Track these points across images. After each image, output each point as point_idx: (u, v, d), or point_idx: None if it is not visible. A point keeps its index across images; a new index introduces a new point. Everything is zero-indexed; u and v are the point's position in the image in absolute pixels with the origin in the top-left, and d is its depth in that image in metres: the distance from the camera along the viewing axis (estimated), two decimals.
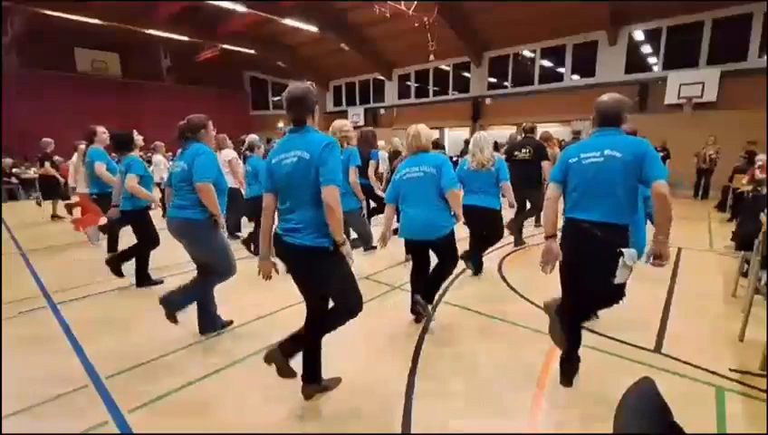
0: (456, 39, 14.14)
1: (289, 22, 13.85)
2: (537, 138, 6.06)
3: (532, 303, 3.74)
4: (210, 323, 3.12)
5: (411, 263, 3.41)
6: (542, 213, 5.74)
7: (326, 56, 18.03)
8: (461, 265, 3.92)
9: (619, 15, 11.97)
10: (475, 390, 2.43)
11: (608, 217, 2.14)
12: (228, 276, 3.04)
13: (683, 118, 11.50)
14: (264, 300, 3.80)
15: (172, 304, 2.96)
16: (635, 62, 12.63)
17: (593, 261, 2.21)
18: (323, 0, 13.67)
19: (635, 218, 2.22)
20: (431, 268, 3.29)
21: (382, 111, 19.54)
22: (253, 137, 5.77)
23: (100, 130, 5.06)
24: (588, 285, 2.30)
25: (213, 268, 3.00)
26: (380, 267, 4.75)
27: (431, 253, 3.31)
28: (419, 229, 3.09)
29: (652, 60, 12.57)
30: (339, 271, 2.08)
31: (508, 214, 5.00)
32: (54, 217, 8.16)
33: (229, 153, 5.94)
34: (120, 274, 4.24)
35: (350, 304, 2.18)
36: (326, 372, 2.35)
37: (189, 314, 3.14)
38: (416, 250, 3.32)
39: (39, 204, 9.32)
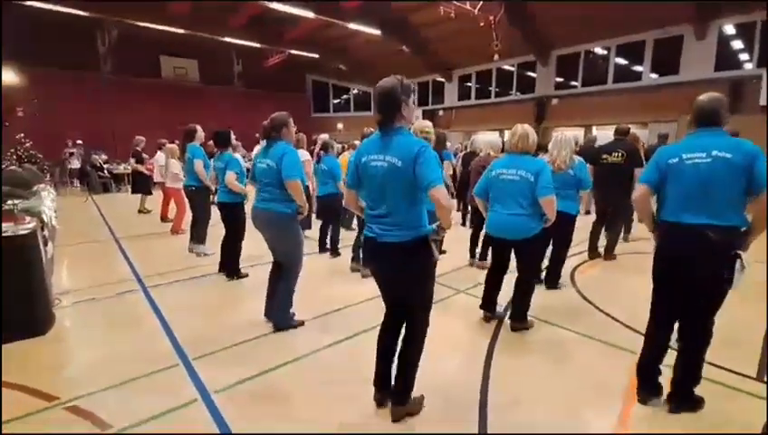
0: (522, 38, 13.65)
1: (352, 25, 14.17)
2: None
3: (607, 315, 3.51)
4: (284, 318, 3.23)
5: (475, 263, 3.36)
6: (626, 220, 5.35)
7: (385, 58, 18.17)
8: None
9: (709, 7, 10.87)
10: (555, 406, 2.31)
11: (719, 219, 1.98)
12: (297, 269, 3.23)
13: None
14: (334, 296, 3.90)
15: (280, 323, 3.21)
16: (726, 58, 11.41)
17: (706, 267, 2.02)
18: (387, 0, 13.72)
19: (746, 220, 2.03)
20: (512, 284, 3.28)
21: (440, 112, 19.37)
22: (325, 137, 5.92)
23: (199, 128, 5.49)
24: (697, 294, 2.12)
25: (284, 261, 3.18)
26: (445, 270, 4.69)
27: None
28: (506, 228, 3.12)
29: (744, 56, 11.30)
30: (425, 266, 2.07)
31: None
32: (141, 211, 8.80)
33: (303, 153, 6.09)
34: (238, 274, 4.50)
35: (424, 305, 2.14)
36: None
37: (261, 305, 3.31)
38: (497, 249, 3.37)
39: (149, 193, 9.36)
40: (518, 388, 2.48)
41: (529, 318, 3.28)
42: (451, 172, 5.21)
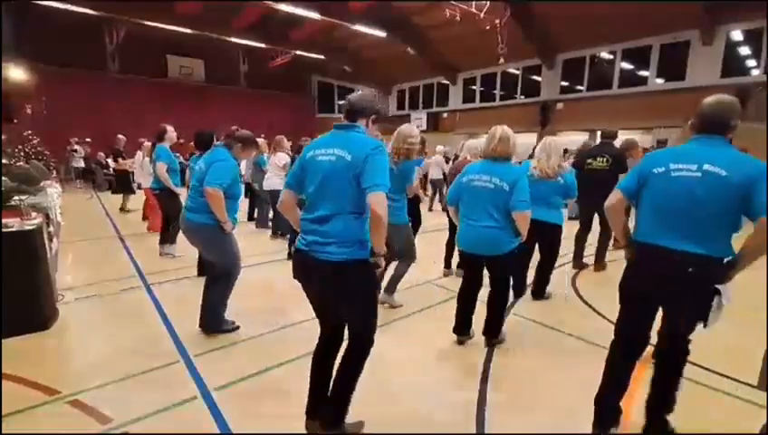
0: (528, 41, 13.67)
1: (358, 27, 14.24)
2: (617, 145, 5.29)
3: (605, 319, 3.50)
4: (215, 323, 3.06)
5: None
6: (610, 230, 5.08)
7: (391, 60, 18.27)
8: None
9: (716, 13, 10.84)
10: (555, 409, 2.31)
11: (701, 246, 1.70)
12: (232, 278, 3.05)
13: None
14: None
15: (210, 327, 3.04)
16: (733, 64, 11.38)
17: (680, 301, 1.80)
18: (393, 1, 13.75)
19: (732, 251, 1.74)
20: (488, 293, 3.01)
21: (444, 114, 19.40)
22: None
23: (170, 129, 5.19)
24: (669, 328, 1.93)
25: (219, 267, 3.02)
26: (440, 273, 4.69)
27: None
28: (477, 242, 2.81)
29: (751, 63, 11.28)
30: (368, 289, 1.88)
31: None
32: (122, 210, 8.56)
33: (283, 157, 6.07)
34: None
35: (368, 331, 1.90)
36: (391, 370, 2.35)
37: (260, 304, 3.32)
38: (470, 264, 3.00)
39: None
40: (517, 389, 2.48)
41: (503, 331, 3.06)
42: (421, 175, 4.97)
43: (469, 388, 2.47)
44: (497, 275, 2.91)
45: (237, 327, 3.14)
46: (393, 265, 3.71)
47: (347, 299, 1.83)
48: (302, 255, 1.83)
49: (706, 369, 2.66)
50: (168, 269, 4.70)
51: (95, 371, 2.57)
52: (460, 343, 3.04)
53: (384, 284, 3.80)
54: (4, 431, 2.03)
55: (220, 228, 2.87)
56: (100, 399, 2.29)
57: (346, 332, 1.99)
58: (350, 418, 1.97)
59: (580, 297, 4.08)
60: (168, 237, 5.22)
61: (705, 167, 1.70)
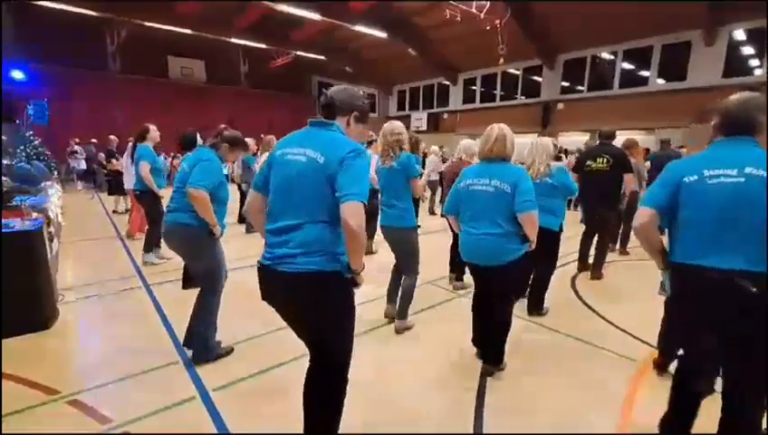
0: (528, 41, 13.67)
1: (358, 27, 14.25)
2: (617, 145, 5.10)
3: (608, 322, 3.50)
4: (203, 350, 2.71)
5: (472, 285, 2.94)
6: (618, 232, 5.00)
7: (392, 61, 18.30)
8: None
9: (718, 13, 10.81)
10: (556, 411, 2.30)
11: (754, 262, 1.46)
12: (217, 290, 2.77)
13: None
14: None
15: (200, 356, 2.70)
16: (735, 64, 11.36)
17: (749, 331, 1.52)
18: (394, 1, 13.75)
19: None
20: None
21: (445, 115, 19.40)
22: None
23: (153, 128, 5.00)
24: (742, 369, 1.60)
25: (201, 279, 2.78)
26: (444, 273, 4.68)
27: None
28: (479, 252, 2.55)
29: (754, 62, 11.25)
30: (339, 303, 1.63)
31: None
32: (115, 212, 8.48)
33: None
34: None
35: (339, 351, 1.68)
36: (390, 370, 2.34)
37: (259, 304, 3.31)
38: (476, 274, 2.75)
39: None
40: (517, 391, 2.48)
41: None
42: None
43: (469, 389, 2.47)
44: (498, 288, 2.61)
45: (231, 350, 2.86)
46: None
47: (316, 312, 1.60)
48: (264, 270, 1.61)
49: None
50: (168, 269, 4.70)
51: (95, 371, 2.58)
52: (479, 355, 2.85)
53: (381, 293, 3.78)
54: (4, 431, 2.02)
55: (209, 232, 2.64)
56: (99, 399, 2.29)
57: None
58: (349, 419, 1.96)
59: (581, 299, 4.08)
60: (147, 243, 5.00)
61: (748, 170, 1.50)
